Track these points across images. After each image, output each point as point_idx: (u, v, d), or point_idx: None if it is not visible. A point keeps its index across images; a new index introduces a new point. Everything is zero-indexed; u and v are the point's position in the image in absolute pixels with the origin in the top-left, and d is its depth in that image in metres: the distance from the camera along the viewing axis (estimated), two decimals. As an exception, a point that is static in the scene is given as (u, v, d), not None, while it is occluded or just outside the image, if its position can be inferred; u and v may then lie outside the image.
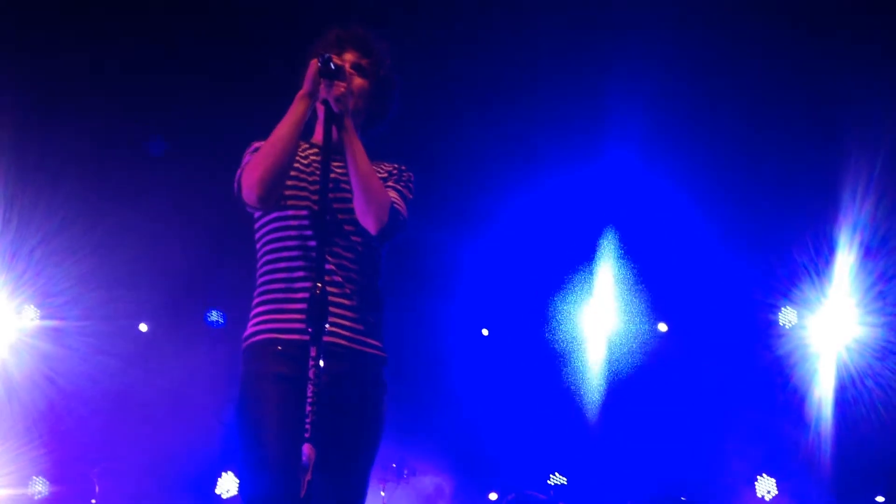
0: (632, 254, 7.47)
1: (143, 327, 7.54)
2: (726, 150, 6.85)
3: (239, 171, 2.81)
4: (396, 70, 3.01)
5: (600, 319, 7.71)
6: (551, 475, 7.59)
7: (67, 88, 6.46)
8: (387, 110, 3.00)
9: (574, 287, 7.67)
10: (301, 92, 2.72)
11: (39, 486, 6.98)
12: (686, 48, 6.30)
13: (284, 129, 2.69)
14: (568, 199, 7.25)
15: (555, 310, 7.74)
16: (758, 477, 7.42)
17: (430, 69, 6.01)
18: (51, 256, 6.92)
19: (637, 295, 7.59)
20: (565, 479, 7.57)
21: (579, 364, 7.75)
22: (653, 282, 7.55)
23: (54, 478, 7.03)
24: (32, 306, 7.13)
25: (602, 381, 7.67)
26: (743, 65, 6.52)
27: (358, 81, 2.84)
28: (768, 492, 7.39)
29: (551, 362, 7.73)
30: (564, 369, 7.73)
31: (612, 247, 7.45)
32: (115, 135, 6.70)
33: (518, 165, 7.10)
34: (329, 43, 2.92)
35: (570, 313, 7.75)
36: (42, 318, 7.16)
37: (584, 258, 7.55)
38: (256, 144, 2.84)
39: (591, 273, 7.60)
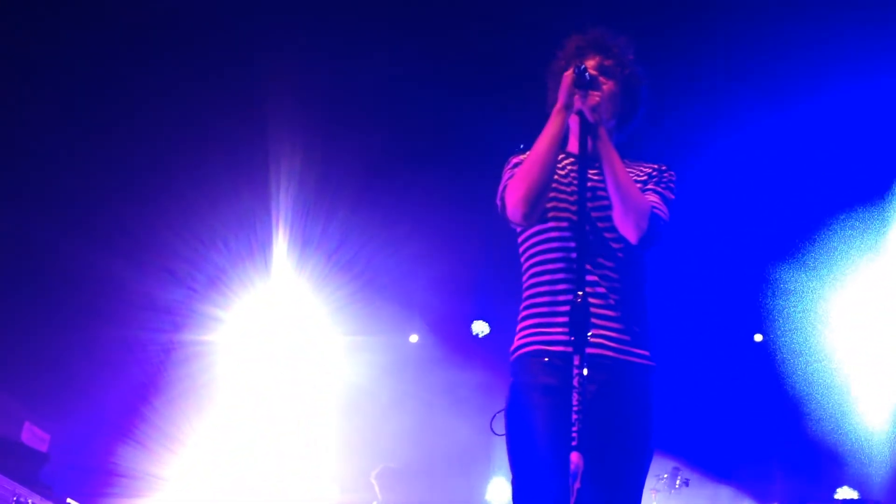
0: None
1: (414, 338, 7.86)
2: None
3: (500, 189, 2.85)
4: (641, 62, 2.93)
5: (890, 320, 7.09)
6: (838, 488, 7.08)
7: (344, 109, 6.79)
8: (637, 108, 2.95)
9: (857, 288, 7.10)
10: (557, 105, 2.72)
11: (332, 491, 7.46)
12: None
13: (544, 144, 2.71)
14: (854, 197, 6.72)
15: (833, 311, 7.21)
16: None
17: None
18: (329, 276, 7.40)
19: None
20: (856, 492, 7.03)
21: (868, 369, 7.15)
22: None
23: (343, 483, 7.49)
24: (321, 322, 7.64)
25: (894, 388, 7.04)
26: None
27: (605, 86, 2.79)
28: None
29: (833, 367, 7.20)
30: (850, 375, 7.17)
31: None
32: (383, 156, 7.00)
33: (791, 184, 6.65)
34: (570, 52, 2.90)
35: (853, 315, 7.19)
36: (327, 333, 7.66)
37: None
38: (515, 160, 2.88)
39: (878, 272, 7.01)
